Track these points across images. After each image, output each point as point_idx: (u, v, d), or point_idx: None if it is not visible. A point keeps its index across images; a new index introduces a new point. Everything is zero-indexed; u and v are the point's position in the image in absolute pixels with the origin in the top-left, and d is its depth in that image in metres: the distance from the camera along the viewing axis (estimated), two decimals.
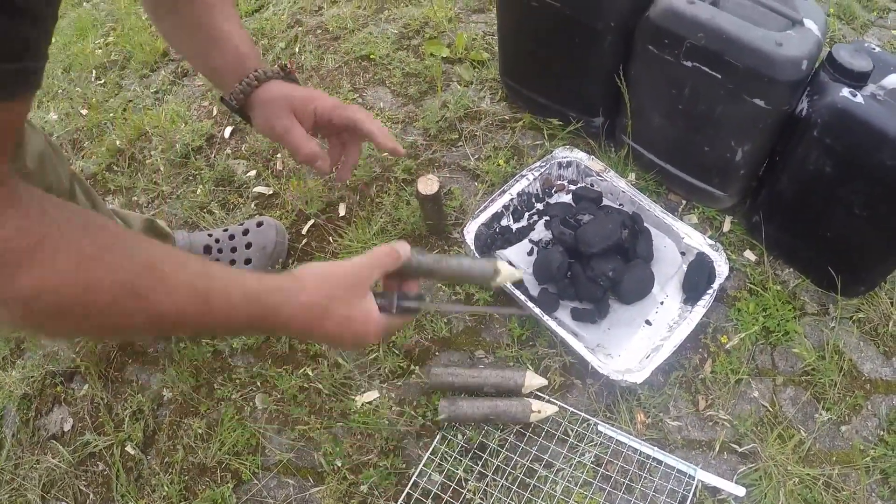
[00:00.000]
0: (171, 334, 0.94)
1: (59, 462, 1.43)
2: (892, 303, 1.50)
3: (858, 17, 2.21)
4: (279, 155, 1.85)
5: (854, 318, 1.49)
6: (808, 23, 1.34)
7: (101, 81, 2.28)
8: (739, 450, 1.32)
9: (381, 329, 1.03)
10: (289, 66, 1.23)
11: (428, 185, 1.46)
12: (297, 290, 0.96)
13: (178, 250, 0.85)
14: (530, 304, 1.40)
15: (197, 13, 1.18)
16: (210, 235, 1.59)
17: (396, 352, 1.46)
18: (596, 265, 1.42)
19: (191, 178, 1.86)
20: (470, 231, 1.50)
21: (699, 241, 1.50)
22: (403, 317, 1.07)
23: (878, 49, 1.37)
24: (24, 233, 0.66)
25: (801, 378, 1.41)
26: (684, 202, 1.67)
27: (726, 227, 1.62)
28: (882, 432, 1.34)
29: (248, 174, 1.83)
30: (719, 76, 1.35)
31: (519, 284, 1.48)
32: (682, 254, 1.53)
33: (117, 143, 2.00)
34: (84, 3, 2.74)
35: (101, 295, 0.74)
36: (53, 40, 2.50)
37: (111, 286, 0.74)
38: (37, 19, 0.62)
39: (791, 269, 1.56)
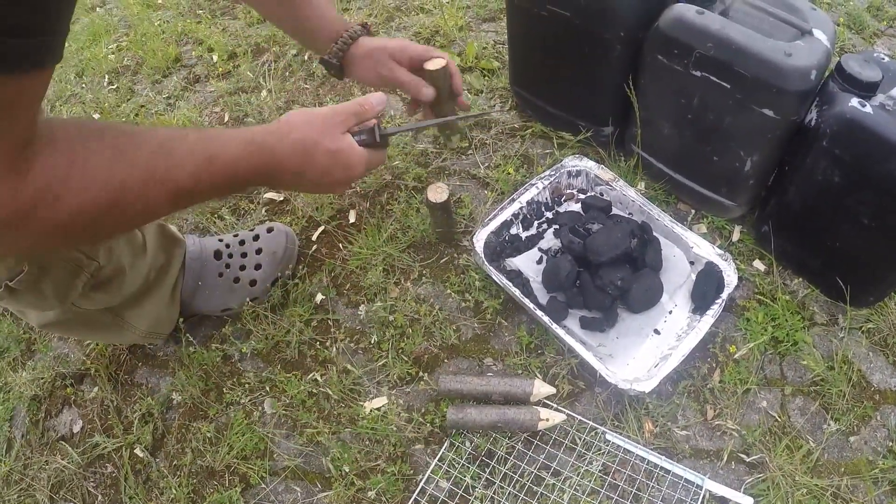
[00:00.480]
0: (189, 205, 1.01)
1: (68, 463, 1.44)
2: None
3: (868, 26, 2.21)
4: None
5: (864, 328, 1.48)
6: (818, 33, 1.34)
7: (114, 86, 2.30)
8: (747, 460, 1.32)
9: (365, 161, 1.20)
10: (368, 25, 1.48)
11: (438, 193, 1.46)
12: (287, 130, 1.10)
13: (174, 127, 0.94)
14: (539, 313, 1.40)
15: None
16: (220, 241, 1.60)
17: (405, 358, 1.47)
18: (604, 274, 1.42)
19: None
20: (479, 239, 1.51)
21: (708, 251, 1.50)
22: (382, 147, 1.26)
23: (887, 59, 1.37)
24: (55, 165, 0.74)
25: (810, 388, 1.40)
26: (693, 211, 1.67)
27: (735, 236, 1.62)
28: (891, 443, 1.34)
29: None
30: (728, 86, 1.35)
31: (529, 293, 1.49)
32: (691, 263, 1.53)
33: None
34: (97, 8, 2.76)
35: (132, 191, 0.84)
36: (66, 45, 2.52)
37: (137, 181, 0.85)
38: None
39: (800, 279, 1.56)
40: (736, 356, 1.43)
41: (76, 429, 1.50)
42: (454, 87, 1.48)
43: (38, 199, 0.74)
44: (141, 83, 2.29)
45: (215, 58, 2.26)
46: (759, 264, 1.57)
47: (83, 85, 2.32)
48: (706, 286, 1.45)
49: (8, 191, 0.71)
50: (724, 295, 1.42)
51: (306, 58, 2.16)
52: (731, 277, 1.45)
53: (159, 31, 2.45)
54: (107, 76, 2.34)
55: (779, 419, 1.36)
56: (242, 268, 1.57)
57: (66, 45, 0.85)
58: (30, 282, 1.16)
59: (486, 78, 2.01)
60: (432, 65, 1.44)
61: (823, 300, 1.53)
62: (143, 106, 2.16)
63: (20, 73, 0.66)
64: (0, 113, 0.67)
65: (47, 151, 0.74)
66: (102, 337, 1.54)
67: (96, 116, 2.16)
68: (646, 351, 1.42)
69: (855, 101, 1.24)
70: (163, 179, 0.88)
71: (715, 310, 1.40)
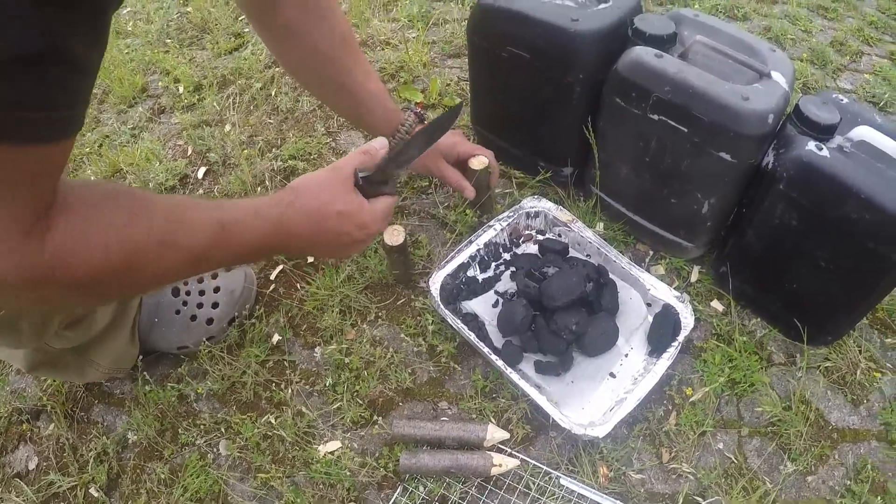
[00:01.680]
0: (206, 270, 1.09)
1: (23, 501, 1.41)
2: (860, 350, 1.50)
3: (832, 61, 2.24)
4: None
5: (821, 367, 1.49)
6: (776, 75, 1.35)
7: None
8: (703, 502, 1.31)
9: (379, 212, 1.22)
10: (420, 112, 1.58)
11: (394, 235, 1.45)
12: (292, 199, 1.11)
13: (184, 196, 0.96)
14: (493, 357, 1.39)
15: (341, 78, 1.44)
16: None
17: (360, 402, 1.45)
18: (559, 319, 1.42)
19: None
20: (435, 282, 1.50)
21: (665, 293, 1.49)
22: (388, 191, 1.25)
23: (846, 100, 1.38)
24: (71, 228, 0.76)
25: (767, 429, 1.40)
26: (652, 252, 1.68)
27: (694, 276, 1.63)
28: (849, 482, 1.34)
29: None
30: (686, 130, 1.35)
31: (484, 336, 1.48)
32: (648, 305, 1.53)
33: (92, 178, 1.99)
34: None
35: (145, 257, 0.86)
36: None
37: (152, 244, 0.87)
38: (91, 72, 0.71)
39: (759, 319, 1.56)
40: (692, 399, 1.42)
41: (32, 466, 1.48)
42: (490, 183, 1.61)
43: (55, 261, 0.75)
44: (107, 112, 2.27)
45: (181, 89, 2.25)
46: (717, 304, 1.58)
47: None
48: (663, 329, 1.45)
49: (27, 254, 0.73)
50: (681, 337, 1.42)
51: (273, 93, 2.15)
52: (687, 320, 1.44)
53: (127, 59, 2.43)
54: None
55: (735, 461, 1.36)
56: (200, 305, 1.55)
57: None
58: (9, 319, 1.15)
59: None
60: (477, 164, 1.56)
61: (781, 339, 1.53)
62: (107, 136, 2.15)
63: (45, 144, 0.68)
64: (25, 182, 0.70)
65: (63, 215, 0.76)
66: (64, 376, 1.52)
67: None
68: (601, 394, 1.41)
69: (812, 145, 1.25)
70: (177, 245, 0.90)
71: (671, 352, 1.39)
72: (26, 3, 0.57)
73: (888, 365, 1.52)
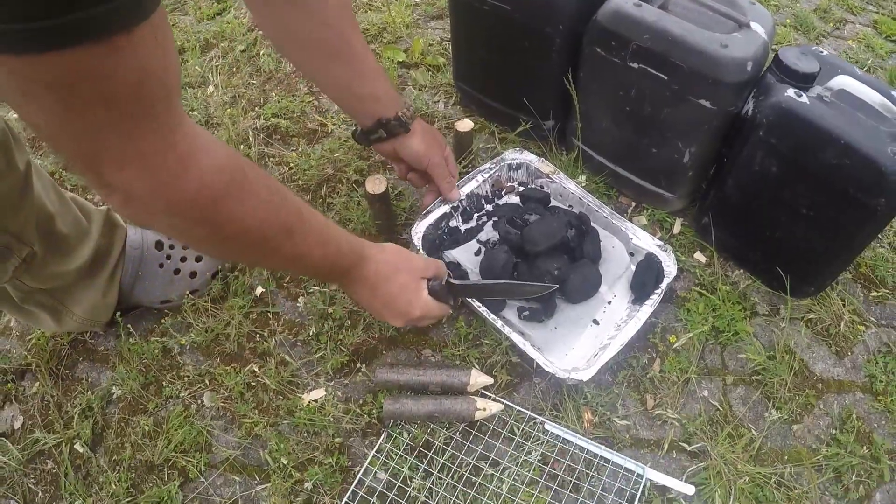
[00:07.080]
0: (293, 273, 1.26)
1: (9, 460, 1.41)
2: (843, 303, 1.52)
3: (815, 27, 2.24)
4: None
5: (805, 318, 1.50)
6: (755, 25, 1.36)
7: None
8: (688, 448, 1.32)
9: (426, 307, 1.28)
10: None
11: (376, 184, 1.46)
12: (379, 250, 1.22)
13: (305, 203, 1.04)
14: (476, 304, 1.39)
15: (336, 45, 1.31)
16: None
17: (343, 350, 1.46)
18: (541, 263, 1.42)
19: None
20: (418, 232, 1.50)
21: (648, 242, 1.50)
22: (446, 302, 1.33)
23: (825, 52, 1.39)
24: (222, 171, 0.81)
25: (752, 378, 1.42)
26: (634, 204, 1.69)
27: (676, 228, 1.64)
28: (834, 431, 1.36)
29: None
30: (665, 77, 1.36)
31: None
32: (631, 254, 1.53)
33: None
34: None
35: (269, 230, 0.93)
36: None
37: (276, 224, 0.94)
38: None
39: (742, 271, 1.57)
40: (676, 346, 1.44)
41: (17, 425, 1.47)
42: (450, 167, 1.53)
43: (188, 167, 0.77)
44: None
45: None
46: (700, 256, 1.59)
47: None
48: (646, 277, 1.46)
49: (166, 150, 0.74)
50: (664, 284, 1.42)
51: (256, 53, 2.15)
52: (670, 268, 1.45)
53: None
54: None
55: (720, 408, 1.37)
56: (183, 259, 1.55)
57: None
58: None
59: (432, 74, 2.02)
60: (462, 126, 1.63)
61: (765, 291, 1.55)
62: None
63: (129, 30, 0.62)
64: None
65: (216, 151, 0.81)
66: (37, 322, 1.48)
67: None
68: (585, 341, 1.42)
69: (791, 92, 1.26)
70: (292, 236, 0.98)
71: (654, 299, 1.40)
72: None
73: (871, 318, 1.53)
